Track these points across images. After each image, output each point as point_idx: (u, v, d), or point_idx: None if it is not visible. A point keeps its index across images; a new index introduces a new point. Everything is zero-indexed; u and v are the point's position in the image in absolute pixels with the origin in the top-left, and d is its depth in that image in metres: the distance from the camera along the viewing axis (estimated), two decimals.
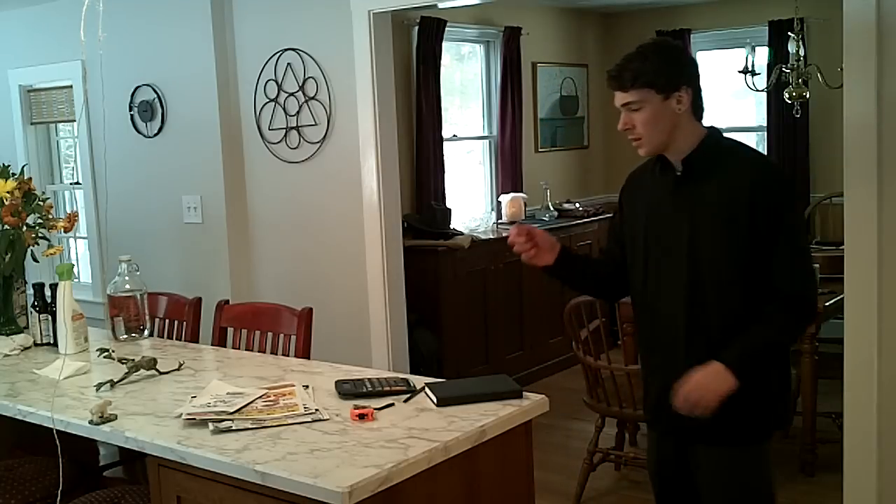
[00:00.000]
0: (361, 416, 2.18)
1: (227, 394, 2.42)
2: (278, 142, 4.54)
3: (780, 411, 2.36)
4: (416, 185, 5.62)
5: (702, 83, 2.29)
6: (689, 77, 2.24)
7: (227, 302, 3.45)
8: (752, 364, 2.23)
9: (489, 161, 6.44)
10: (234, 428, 2.17)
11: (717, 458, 2.32)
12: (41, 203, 3.32)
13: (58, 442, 2.35)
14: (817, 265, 4.12)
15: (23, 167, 4.07)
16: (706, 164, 2.25)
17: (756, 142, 6.52)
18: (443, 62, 5.70)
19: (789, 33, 5.19)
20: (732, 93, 6.42)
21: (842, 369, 3.04)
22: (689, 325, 2.27)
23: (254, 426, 2.17)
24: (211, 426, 2.18)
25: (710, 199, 2.23)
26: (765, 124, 6.44)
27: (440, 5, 4.71)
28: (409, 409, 2.27)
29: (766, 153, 5.93)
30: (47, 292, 3.20)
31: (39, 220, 3.30)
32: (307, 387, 2.47)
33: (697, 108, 2.27)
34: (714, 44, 6.91)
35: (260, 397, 2.37)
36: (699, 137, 2.27)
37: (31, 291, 3.28)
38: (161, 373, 2.71)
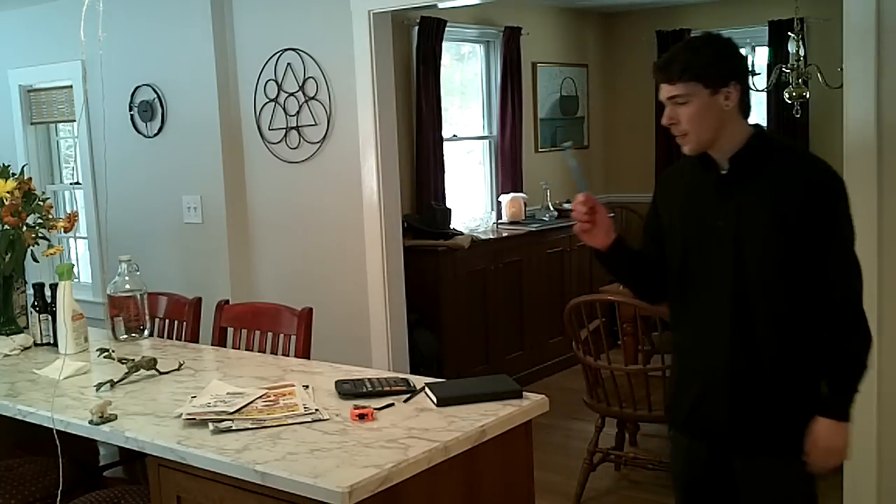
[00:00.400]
0: (361, 416, 2.18)
1: (228, 394, 2.42)
2: (278, 142, 4.54)
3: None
4: (416, 185, 5.62)
5: (748, 82, 2.21)
6: (738, 73, 2.16)
7: (227, 302, 3.45)
8: (852, 395, 2.14)
9: (489, 161, 6.44)
10: (234, 428, 2.17)
11: (763, 469, 2.22)
12: (41, 203, 3.32)
13: (58, 442, 2.35)
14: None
15: (23, 167, 4.07)
16: (755, 163, 2.16)
17: None
18: (443, 62, 5.70)
19: (789, 33, 5.19)
20: None
21: None
22: (733, 330, 2.18)
23: (254, 426, 2.17)
24: (211, 426, 2.18)
25: (759, 199, 2.13)
26: (765, 124, 6.43)
27: (440, 5, 4.71)
28: (409, 409, 2.27)
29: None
30: (47, 292, 3.20)
31: (39, 220, 3.30)
32: (307, 387, 2.47)
33: (745, 105, 2.18)
34: None
35: (260, 397, 2.37)
36: (746, 136, 2.17)
37: (31, 291, 3.28)
38: (161, 373, 2.71)
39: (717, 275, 2.19)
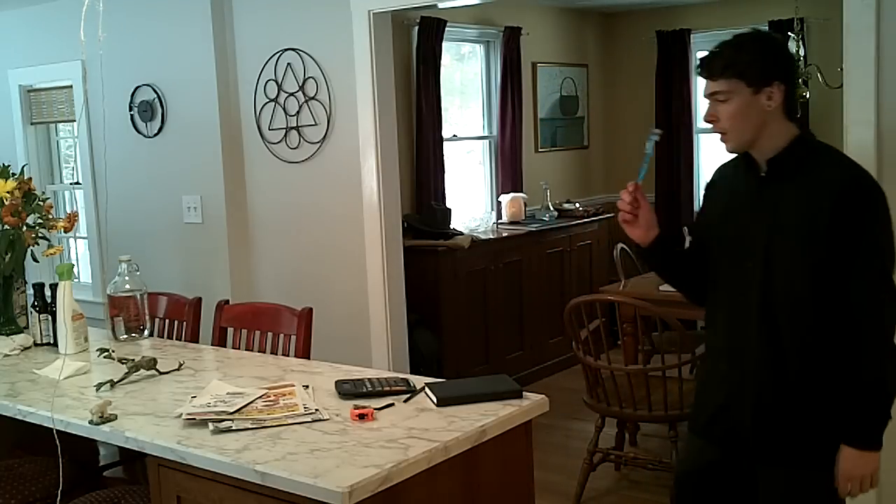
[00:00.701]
0: (361, 416, 2.18)
1: (228, 394, 2.42)
2: (278, 142, 4.54)
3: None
4: (416, 185, 5.62)
5: (796, 83, 2.16)
6: (783, 73, 2.10)
7: (227, 302, 3.45)
8: (879, 424, 2.07)
9: (489, 161, 6.44)
10: (234, 428, 2.17)
11: (786, 481, 2.17)
12: (41, 203, 3.32)
13: (58, 442, 2.35)
14: None
15: (23, 167, 4.07)
16: (793, 166, 2.11)
17: None
18: (443, 62, 5.70)
19: (789, 33, 5.19)
20: None
21: None
22: (760, 337, 2.14)
23: (254, 426, 2.17)
24: (211, 426, 2.18)
25: (792, 203, 2.09)
26: None
27: (440, 5, 4.71)
28: (409, 409, 2.27)
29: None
30: (47, 292, 3.20)
31: (39, 220, 3.29)
32: (307, 387, 2.47)
33: (790, 106, 2.12)
34: (714, 44, 6.85)
35: (260, 397, 2.37)
36: (789, 138, 2.12)
37: (31, 291, 3.28)
38: (161, 373, 2.71)
39: (748, 279, 2.15)
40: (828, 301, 2.07)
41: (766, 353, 2.14)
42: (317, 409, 2.26)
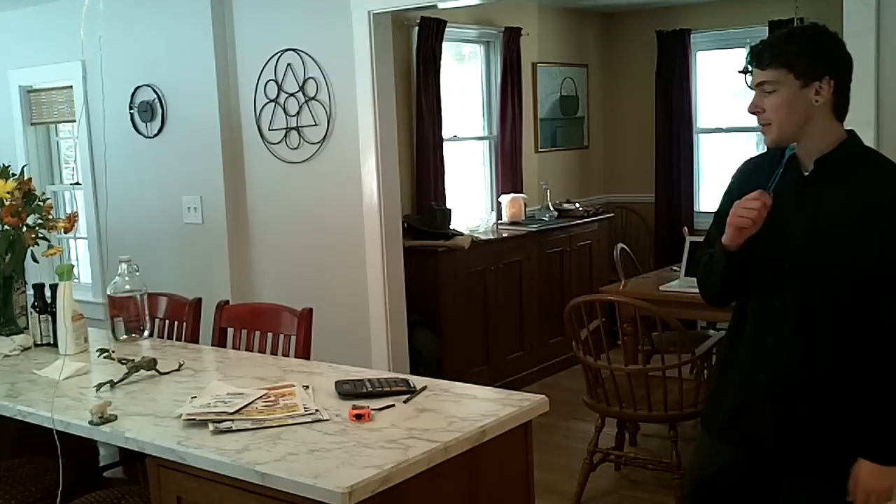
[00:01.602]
0: (358, 417, 2.18)
1: (228, 394, 2.42)
2: (278, 142, 4.54)
3: None
4: (416, 185, 5.62)
5: (849, 81, 2.08)
6: (834, 69, 2.03)
7: (227, 302, 3.45)
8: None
9: (489, 161, 6.44)
10: (234, 428, 2.16)
11: (810, 488, 2.12)
12: (41, 203, 3.31)
13: (58, 442, 2.35)
14: None
15: (23, 167, 4.07)
16: (842, 168, 2.05)
17: (756, 142, 6.53)
18: (443, 62, 5.70)
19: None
20: (732, 93, 6.41)
21: None
22: (793, 341, 2.09)
23: (254, 426, 2.17)
24: (211, 426, 2.18)
25: (839, 206, 2.02)
26: None
27: (440, 5, 4.71)
28: (409, 410, 2.27)
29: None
30: (47, 293, 3.20)
31: (39, 221, 3.29)
32: (307, 387, 2.47)
33: (840, 105, 2.06)
34: (714, 44, 6.91)
35: (260, 398, 2.37)
36: (837, 138, 2.06)
37: (31, 292, 3.28)
38: (161, 373, 2.71)
39: (785, 281, 2.09)
40: (868, 312, 2.02)
41: (798, 358, 2.08)
42: (317, 410, 2.26)
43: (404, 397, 2.35)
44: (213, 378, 2.67)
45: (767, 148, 2.19)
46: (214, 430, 2.16)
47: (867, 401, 2.04)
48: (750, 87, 2.13)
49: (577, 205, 6.58)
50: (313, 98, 4.39)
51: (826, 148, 2.07)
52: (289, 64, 4.45)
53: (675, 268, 4.58)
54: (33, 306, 3.22)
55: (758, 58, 2.07)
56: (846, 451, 2.08)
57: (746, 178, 2.22)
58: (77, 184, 5.52)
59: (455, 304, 5.24)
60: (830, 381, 2.07)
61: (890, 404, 2.02)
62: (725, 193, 2.27)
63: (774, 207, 2.07)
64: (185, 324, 3.44)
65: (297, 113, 4.46)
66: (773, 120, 2.06)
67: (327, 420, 2.20)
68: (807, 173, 2.10)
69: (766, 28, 6.27)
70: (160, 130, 4.84)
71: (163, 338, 3.46)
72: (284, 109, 4.49)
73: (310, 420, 2.20)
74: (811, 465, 2.12)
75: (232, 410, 2.26)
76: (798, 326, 2.08)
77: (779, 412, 2.12)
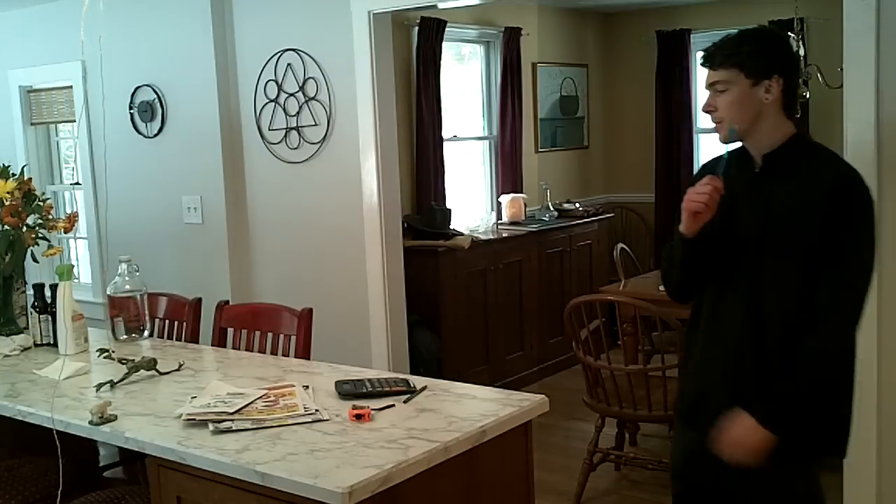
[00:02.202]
0: (358, 417, 2.18)
1: (228, 394, 2.42)
2: (278, 142, 4.54)
3: (842, 432, 2.19)
4: (416, 185, 5.62)
5: (797, 81, 2.17)
6: (783, 67, 2.13)
7: (227, 302, 3.45)
8: (788, 416, 2.10)
9: (489, 161, 6.44)
10: (234, 428, 2.17)
11: (760, 474, 2.17)
12: (41, 203, 3.32)
13: (58, 442, 2.35)
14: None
15: (23, 167, 4.07)
16: (788, 163, 2.13)
17: None
18: (443, 62, 5.70)
19: (789, 33, 5.17)
20: None
21: None
22: (743, 330, 2.17)
23: (254, 426, 2.17)
24: (211, 426, 2.18)
25: (787, 199, 2.11)
26: None
27: (440, 5, 4.71)
28: (409, 410, 2.27)
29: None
30: (47, 293, 3.20)
31: (39, 221, 3.30)
32: (307, 387, 2.47)
33: (789, 103, 2.15)
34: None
35: (260, 397, 2.37)
36: (785, 135, 2.16)
37: (31, 292, 3.28)
38: (161, 373, 2.71)
39: (739, 271, 2.18)
40: (809, 301, 2.09)
41: (749, 343, 2.16)
42: (317, 410, 2.26)
43: (404, 397, 2.35)
44: (213, 378, 2.67)
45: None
46: (214, 430, 2.16)
47: (784, 368, 2.10)
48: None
49: (577, 205, 6.58)
50: (313, 98, 4.39)
51: (775, 144, 2.16)
52: (289, 64, 4.45)
53: None
54: (33, 306, 3.22)
55: (710, 59, 2.17)
56: (806, 435, 2.14)
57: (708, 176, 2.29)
58: (77, 184, 5.52)
59: (455, 304, 5.24)
60: (780, 365, 2.12)
61: (799, 375, 2.08)
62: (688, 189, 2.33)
63: (731, 203, 2.16)
64: (185, 324, 3.44)
65: (297, 113, 4.46)
66: (725, 118, 2.15)
67: (327, 420, 2.20)
68: (757, 170, 2.19)
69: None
70: (160, 130, 4.84)
71: (163, 338, 3.46)
72: (284, 109, 4.49)
73: (310, 420, 2.20)
74: (777, 453, 2.14)
75: (232, 410, 2.26)
76: (748, 315, 2.16)
77: (731, 396, 2.18)
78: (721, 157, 2.30)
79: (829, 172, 2.11)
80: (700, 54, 2.22)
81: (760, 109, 2.13)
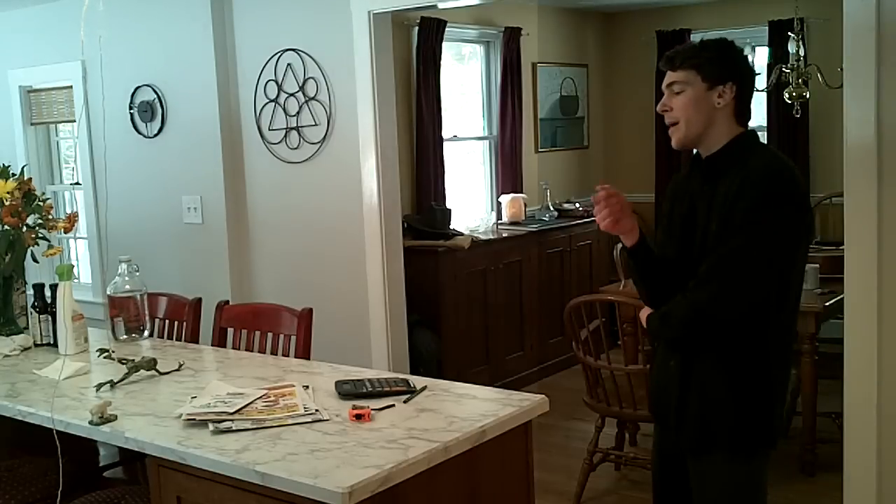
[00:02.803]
0: (358, 417, 2.18)
1: (228, 394, 2.42)
2: (278, 142, 4.54)
3: (766, 425, 2.25)
4: (416, 185, 5.62)
5: (751, 91, 2.26)
6: (738, 75, 2.21)
7: (227, 302, 3.45)
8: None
9: (489, 161, 6.44)
10: (234, 428, 2.17)
11: (704, 468, 2.29)
12: (41, 203, 3.32)
13: (58, 442, 2.35)
14: (816, 266, 4.14)
15: (23, 167, 4.07)
16: (724, 165, 2.21)
17: None
18: (443, 62, 5.70)
19: (789, 33, 5.19)
20: None
21: (842, 369, 3.04)
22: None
23: (254, 426, 2.17)
24: (211, 426, 2.18)
25: (722, 198, 2.17)
26: (765, 124, 6.45)
27: (440, 5, 4.71)
28: (409, 410, 2.27)
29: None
30: (47, 293, 3.20)
31: (39, 221, 3.30)
32: (307, 387, 2.47)
33: (741, 110, 2.23)
34: None
35: (260, 397, 2.37)
36: (730, 138, 2.23)
37: (31, 292, 3.28)
38: (161, 373, 2.71)
39: (691, 269, 2.23)
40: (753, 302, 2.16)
41: (693, 340, 2.26)
42: (317, 410, 2.26)
43: (404, 397, 2.35)
44: (213, 378, 2.67)
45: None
46: (214, 430, 2.16)
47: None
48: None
49: (578, 205, 6.58)
50: (313, 98, 4.39)
51: (719, 147, 2.23)
52: (289, 64, 4.45)
53: None
54: (33, 306, 3.22)
55: (670, 61, 2.25)
56: (735, 430, 2.22)
57: (674, 188, 2.40)
58: (77, 184, 5.52)
59: (455, 304, 5.24)
60: (719, 361, 2.21)
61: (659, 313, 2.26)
62: (665, 201, 2.44)
63: (689, 207, 2.27)
64: (185, 324, 3.44)
65: (297, 113, 4.46)
66: (681, 118, 2.22)
67: (327, 420, 2.20)
68: (702, 173, 2.27)
69: (766, 28, 6.28)
70: (160, 130, 4.84)
71: (163, 338, 3.46)
72: (284, 109, 4.49)
73: (310, 420, 2.20)
74: (707, 442, 2.25)
75: (232, 410, 2.26)
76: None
77: (679, 391, 2.28)
78: (686, 167, 2.39)
79: (752, 169, 2.15)
80: (662, 59, 2.29)
81: (712, 114, 2.20)
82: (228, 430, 2.16)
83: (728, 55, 2.23)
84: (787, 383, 2.33)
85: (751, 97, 2.26)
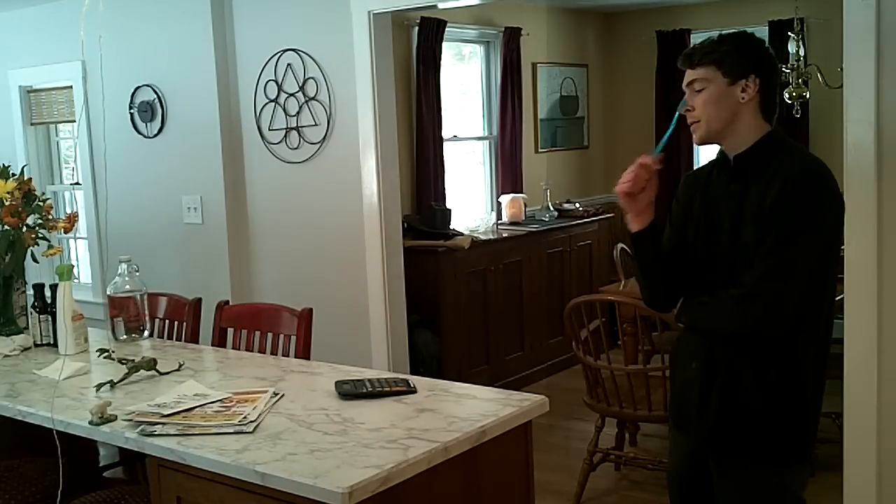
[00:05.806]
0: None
1: (194, 395, 2.41)
2: (278, 142, 4.54)
3: (800, 436, 2.17)
4: (416, 185, 5.62)
5: (776, 83, 2.18)
6: (760, 68, 2.12)
7: (226, 302, 3.45)
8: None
9: (489, 161, 6.44)
10: (157, 433, 2.16)
11: (733, 472, 2.21)
12: (41, 203, 3.32)
13: (58, 442, 2.35)
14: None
15: (23, 167, 4.07)
16: (757, 164, 2.13)
17: None
18: (443, 62, 5.70)
19: (789, 33, 5.19)
20: None
21: (842, 369, 3.04)
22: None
23: (178, 433, 2.15)
24: (138, 428, 2.18)
25: (755, 197, 2.10)
26: None
27: (440, 5, 4.71)
28: (409, 410, 2.27)
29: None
30: (47, 293, 3.20)
31: (39, 221, 3.29)
32: (278, 394, 2.42)
33: (767, 104, 2.15)
34: None
35: (218, 401, 2.35)
36: (758, 135, 2.14)
37: (31, 292, 3.28)
38: (161, 373, 2.71)
39: (717, 270, 2.18)
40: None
41: (719, 346, 2.18)
42: (252, 422, 2.19)
43: (404, 397, 2.35)
44: (213, 378, 2.67)
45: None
46: (140, 432, 2.16)
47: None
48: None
49: (578, 205, 6.58)
50: (313, 98, 4.39)
51: (747, 144, 2.15)
52: (289, 64, 4.45)
53: None
54: (33, 306, 3.22)
55: (689, 58, 2.17)
56: (760, 436, 2.15)
57: (690, 185, 2.33)
58: (77, 184, 5.52)
59: (455, 304, 5.24)
60: (750, 372, 2.14)
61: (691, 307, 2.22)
62: (673, 199, 2.38)
63: (713, 205, 2.19)
64: (185, 324, 3.44)
65: (297, 113, 4.46)
66: (702, 116, 2.14)
67: (249, 433, 2.14)
68: (730, 172, 2.20)
69: (766, 28, 6.28)
70: (160, 130, 4.84)
71: (163, 338, 3.46)
72: (284, 109, 4.49)
73: (232, 431, 2.14)
74: (735, 450, 2.19)
75: (166, 413, 2.25)
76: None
77: (699, 396, 2.21)
78: (705, 165, 2.33)
79: (792, 164, 2.10)
80: (681, 57, 2.22)
81: (736, 109, 2.13)
82: (152, 434, 2.15)
83: (748, 47, 2.15)
84: (822, 394, 2.25)
85: (776, 89, 2.18)
